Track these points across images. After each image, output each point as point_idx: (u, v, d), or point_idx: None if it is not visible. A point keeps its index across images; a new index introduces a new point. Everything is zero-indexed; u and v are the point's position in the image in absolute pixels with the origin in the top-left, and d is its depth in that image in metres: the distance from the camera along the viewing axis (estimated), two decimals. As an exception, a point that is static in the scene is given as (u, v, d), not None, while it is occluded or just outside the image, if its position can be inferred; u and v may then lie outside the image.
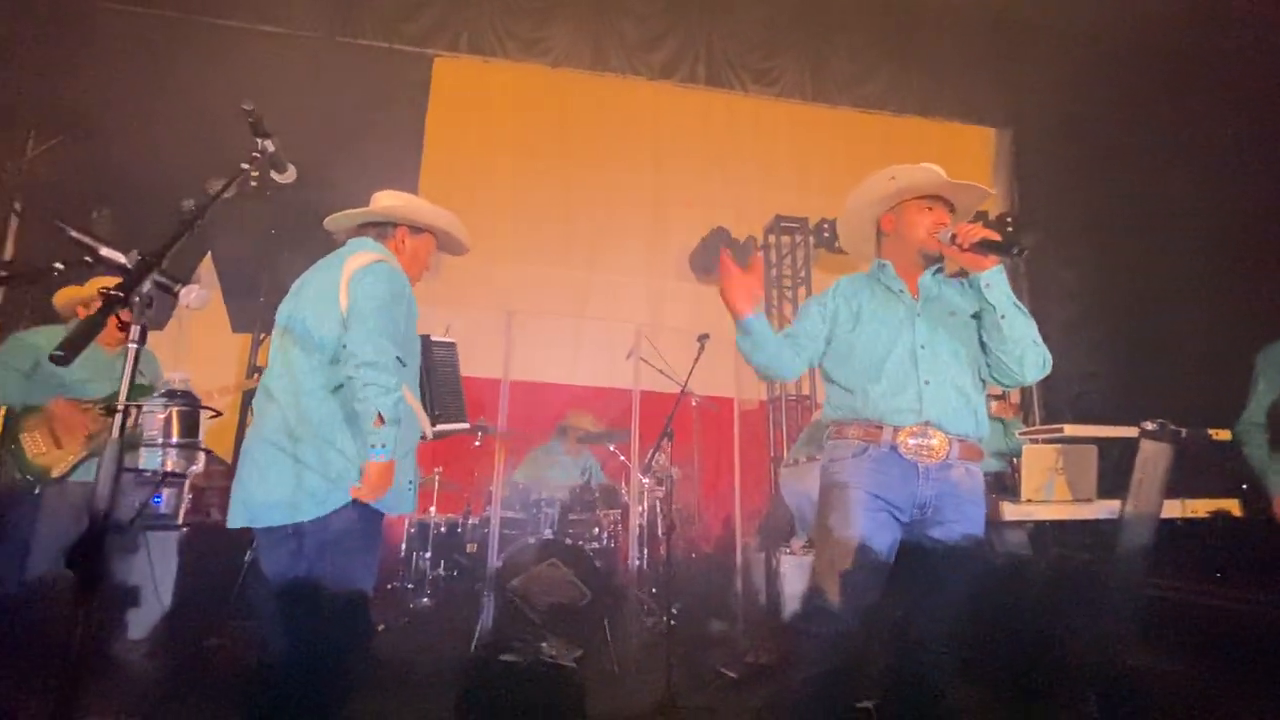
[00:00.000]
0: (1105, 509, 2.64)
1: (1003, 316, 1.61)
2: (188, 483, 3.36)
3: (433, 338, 2.00)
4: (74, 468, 2.50)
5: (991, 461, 3.43)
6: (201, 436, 0.95)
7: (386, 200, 1.93)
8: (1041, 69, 5.37)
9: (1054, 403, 5.43)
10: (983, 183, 1.77)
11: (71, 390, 2.53)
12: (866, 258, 1.93)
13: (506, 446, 3.80)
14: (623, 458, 3.94)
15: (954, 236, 1.61)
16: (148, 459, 0.87)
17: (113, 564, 2.99)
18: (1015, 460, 2.88)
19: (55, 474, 2.48)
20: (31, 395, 2.54)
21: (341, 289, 1.70)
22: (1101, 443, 2.78)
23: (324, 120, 4.52)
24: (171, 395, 0.93)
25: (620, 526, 3.73)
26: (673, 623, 3.47)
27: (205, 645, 2.86)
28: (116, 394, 0.96)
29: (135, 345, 0.95)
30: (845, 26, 5.83)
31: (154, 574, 3.15)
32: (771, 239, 5.33)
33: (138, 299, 0.97)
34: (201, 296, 1.22)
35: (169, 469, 0.91)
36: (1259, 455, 2.56)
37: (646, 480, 3.70)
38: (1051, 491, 2.79)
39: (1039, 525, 2.90)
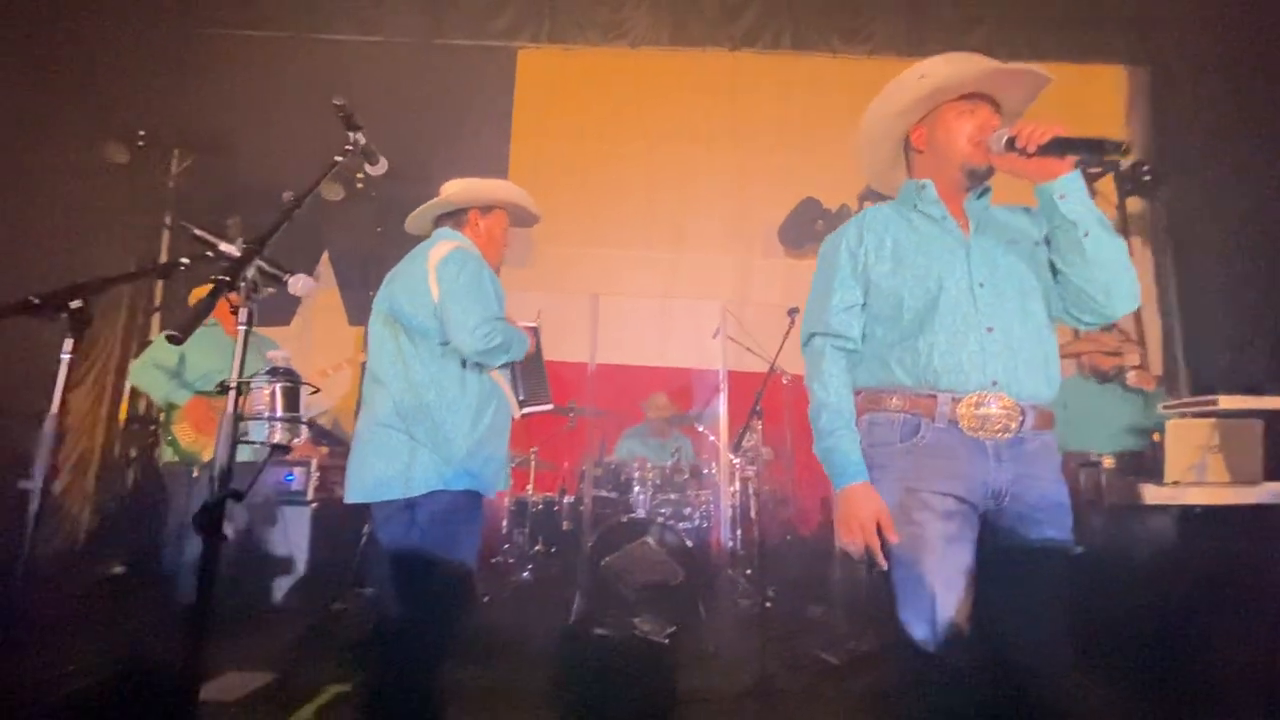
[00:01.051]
0: (1272, 493, 2.30)
1: (1086, 234, 1.25)
2: (315, 462, 3.72)
3: (517, 324, 2.06)
4: None
5: (1127, 439, 3.08)
6: (303, 410, 1.02)
7: (450, 188, 1.99)
8: (1174, 6, 4.68)
9: (1204, 373, 4.78)
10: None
11: (210, 380, 2.86)
12: (894, 187, 1.54)
13: (599, 428, 3.87)
14: (712, 438, 3.89)
15: (1011, 140, 1.25)
16: (255, 431, 0.95)
17: (256, 534, 3.37)
18: (1158, 436, 2.56)
19: (206, 457, 2.83)
20: (177, 390, 2.91)
21: (430, 280, 1.79)
22: (1268, 416, 2.41)
23: (420, 120, 4.76)
24: (274, 373, 1.01)
25: (713, 507, 3.70)
26: (769, 605, 3.42)
27: (332, 609, 3.14)
28: (240, 379, 1.05)
29: (244, 327, 1.04)
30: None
31: (289, 543, 3.53)
32: (868, 205, 5.02)
33: (244, 283, 1.04)
34: (308, 284, 1.31)
35: (275, 440, 0.99)
36: None
37: (737, 461, 3.63)
38: (1204, 472, 2.47)
39: (1187, 511, 2.56)
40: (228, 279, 1.02)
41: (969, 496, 1.27)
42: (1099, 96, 5.20)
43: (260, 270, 1.25)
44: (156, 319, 4.91)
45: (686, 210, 5.21)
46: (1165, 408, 2.84)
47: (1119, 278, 1.28)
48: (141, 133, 4.63)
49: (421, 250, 1.91)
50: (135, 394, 4.68)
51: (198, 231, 1.38)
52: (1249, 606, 2.30)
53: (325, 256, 5.11)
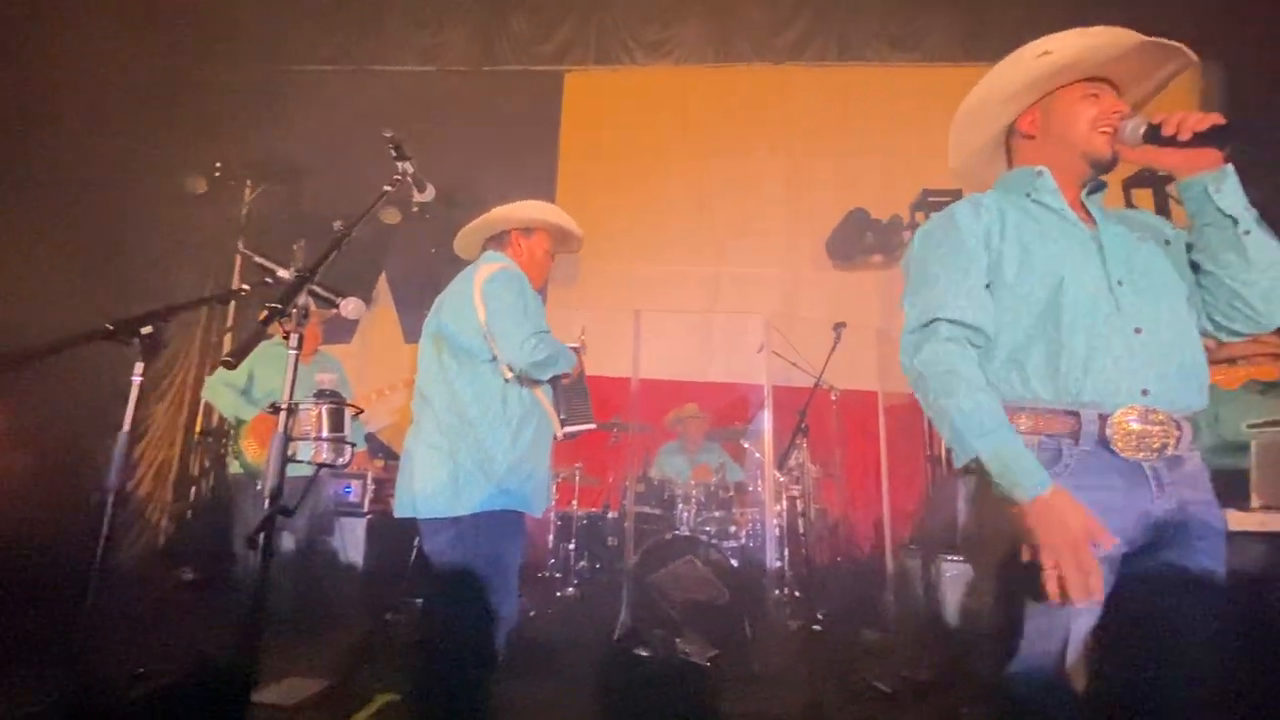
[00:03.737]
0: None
1: (1246, 232, 1.10)
2: (370, 475, 3.86)
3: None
4: None
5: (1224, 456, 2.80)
6: (348, 431, 1.07)
7: (496, 211, 2.05)
8: None
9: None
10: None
11: (275, 397, 3.01)
12: (985, 184, 1.35)
13: (641, 444, 3.87)
14: (757, 454, 3.84)
15: (1154, 129, 1.09)
16: (302, 451, 1.00)
17: (315, 544, 3.51)
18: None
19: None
20: (245, 407, 3.08)
21: (476, 299, 1.84)
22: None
23: (471, 144, 4.93)
24: (320, 395, 1.05)
25: (759, 525, 3.64)
26: (818, 628, 3.32)
27: (386, 618, 3.23)
28: (303, 398, 1.12)
29: (294, 351, 1.09)
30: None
31: (346, 553, 3.66)
32: (919, 216, 4.89)
33: (294, 309, 1.10)
34: (359, 307, 1.37)
35: (321, 460, 1.04)
36: None
37: (782, 478, 3.56)
38: (1296, 497, 2.26)
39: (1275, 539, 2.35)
40: (279, 306, 1.07)
41: (1123, 533, 1.07)
42: (1171, 96, 4.91)
43: (314, 294, 1.32)
44: (229, 338, 5.23)
45: (733, 225, 5.19)
46: (1249, 426, 2.61)
47: (1279, 282, 1.13)
48: (218, 164, 4.98)
49: (468, 272, 1.97)
50: (209, 408, 4.98)
51: (258, 259, 1.47)
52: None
53: (383, 277, 5.34)
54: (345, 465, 1.13)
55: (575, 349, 2.16)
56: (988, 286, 1.20)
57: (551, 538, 3.93)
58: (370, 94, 5.27)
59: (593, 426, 2.16)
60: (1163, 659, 1.09)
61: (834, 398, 3.90)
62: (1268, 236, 1.13)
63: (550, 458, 1.99)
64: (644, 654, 2.48)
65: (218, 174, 5.00)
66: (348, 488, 3.84)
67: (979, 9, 5.21)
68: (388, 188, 1.57)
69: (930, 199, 4.81)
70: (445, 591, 1.82)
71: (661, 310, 4.58)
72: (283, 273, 1.39)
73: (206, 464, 5.01)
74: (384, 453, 4.37)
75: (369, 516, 3.77)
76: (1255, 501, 2.23)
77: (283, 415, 1.03)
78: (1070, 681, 1.10)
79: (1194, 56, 1.19)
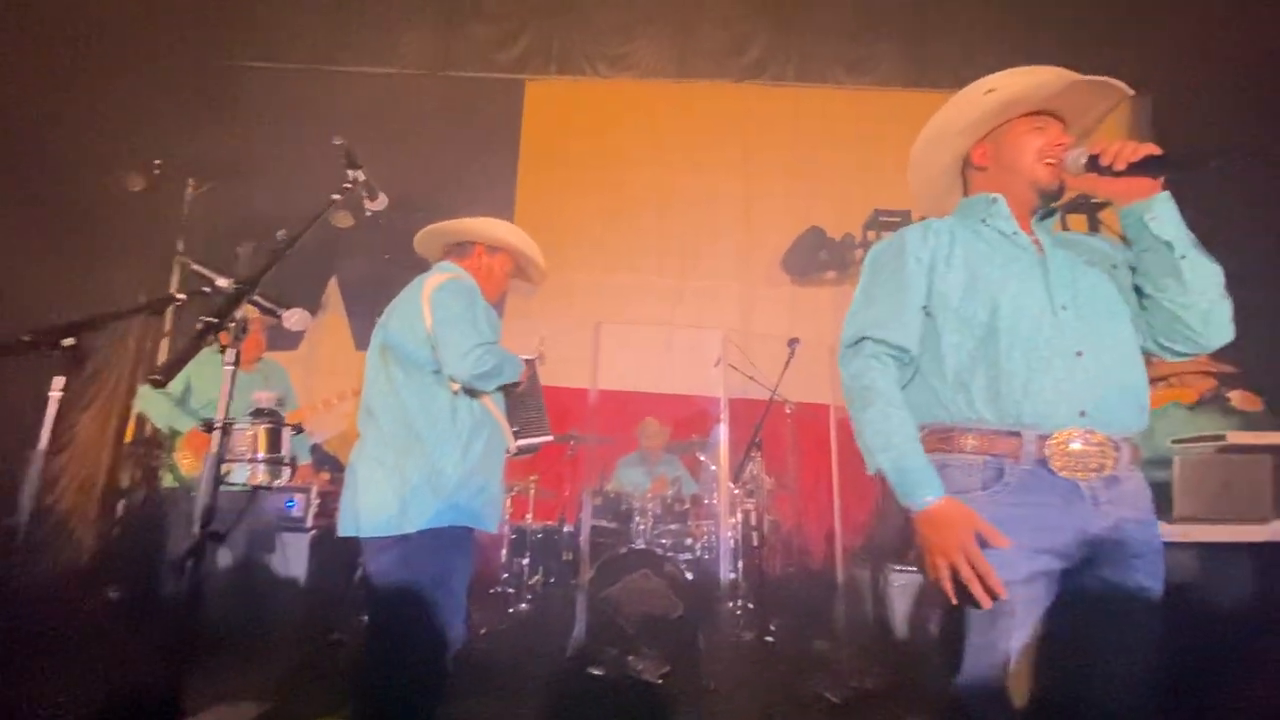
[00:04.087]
0: (1282, 531, 2.25)
1: (1182, 256, 1.15)
2: (315, 489, 3.71)
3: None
4: None
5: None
6: (286, 451, 1.02)
7: (465, 222, 2.02)
8: (1178, 25, 4.70)
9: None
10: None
11: (212, 409, 2.88)
12: (945, 211, 1.43)
13: (597, 456, 3.85)
14: (714, 467, 3.87)
15: (1094, 159, 1.15)
16: (237, 473, 0.95)
17: (254, 561, 3.35)
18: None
19: (204, 483, 2.84)
20: (180, 418, 2.94)
21: (424, 308, 1.80)
22: (1275, 451, 2.36)
23: (428, 150, 4.85)
24: (259, 414, 1.00)
25: (714, 538, 3.66)
26: (770, 640, 3.36)
27: (329, 639, 3.11)
28: (241, 415, 1.06)
29: (230, 367, 1.04)
30: (947, 4, 5.43)
31: (287, 571, 3.50)
32: (871, 235, 5.05)
33: (232, 324, 1.05)
34: (303, 319, 1.32)
35: (256, 482, 0.99)
36: None
37: (737, 491, 3.60)
38: (1214, 509, 2.41)
39: (1198, 549, 2.50)
40: (215, 320, 1.02)
41: (1060, 550, 1.13)
42: (1103, 125, 5.21)
43: (256, 304, 1.26)
44: (165, 343, 4.98)
45: (691, 239, 5.25)
46: (1173, 441, 2.78)
47: (1217, 305, 1.18)
48: (158, 161, 4.74)
49: (418, 281, 1.93)
50: (142, 418, 4.72)
51: (195, 266, 1.40)
52: (1258, 647, 2.24)
53: (334, 282, 5.18)
54: (284, 484, 1.08)
55: (533, 360, 2.14)
56: (925, 309, 1.26)
57: (505, 552, 3.86)
58: (324, 94, 5.12)
59: (548, 439, 2.14)
60: (1099, 673, 1.12)
61: (789, 411, 3.97)
62: (1205, 260, 1.17)
63: (503, 471, 1.95)
64: (597, 673, 2.45)
65: (158, 171, 4.76)
66: (290, 501, 3.68)
67: (928, 39, 5.43)
68: (336, 196, 1.53)
69: (882, 218, 4.97)
70: (391, 613, 1.76)
71: (621, 323, 4.59)
72: (222, 282, 1.33)
73: (138, 476, 4.74)
74: (330, 464, 4.22)
75: (313, 532, 3.62)
76: (1177, 513, 2.38)
77: (216, 435, 0.98)
78: (1012, 693, 1.14)
79: (1129, 90, 1.26)
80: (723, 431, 3.53)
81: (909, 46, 5.44)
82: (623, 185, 5.31)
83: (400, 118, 4.87)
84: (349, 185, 1.56)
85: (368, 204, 1.69)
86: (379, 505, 1.72)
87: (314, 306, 5.11)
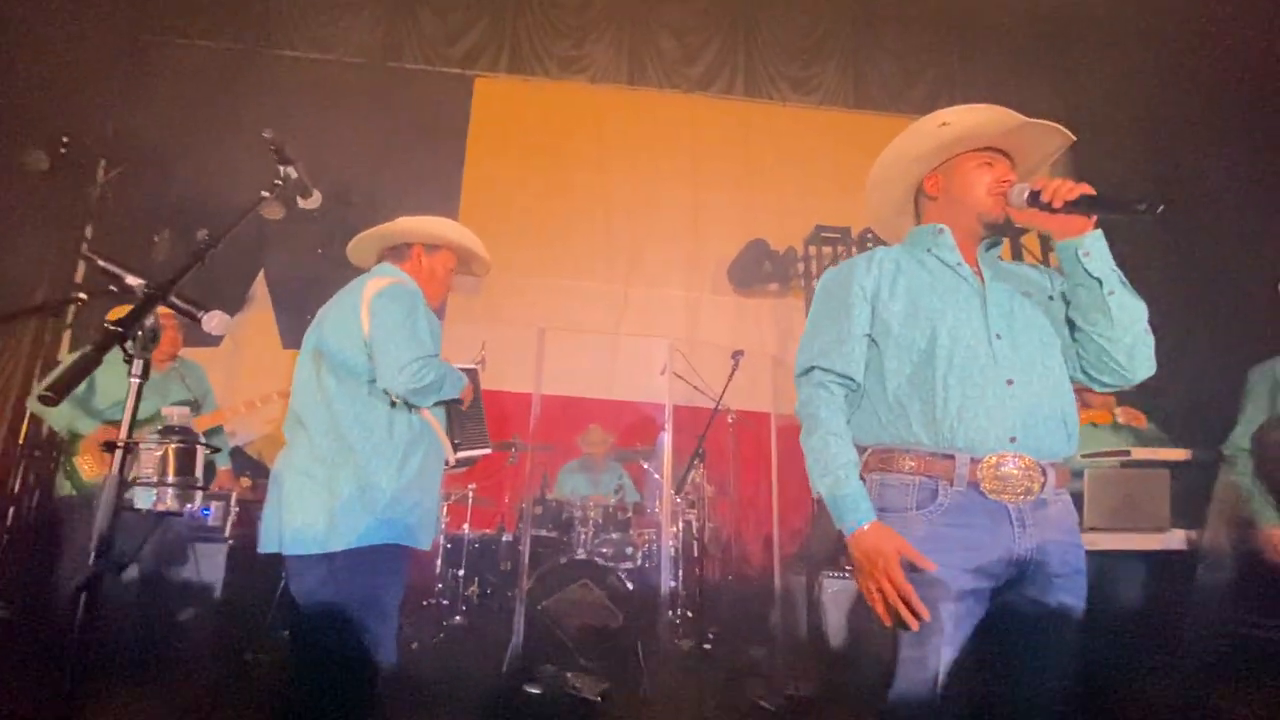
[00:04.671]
0: (1179, 540, 2.44)
1: (1110, 293, 1.22)
2: (234, 496, 3.48)
3: (454, 366, 2.00)
4: None
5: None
6: (199, 473, 0.93)
7: (399, 222, 1.94)
8: (1101, 64, 5.05)
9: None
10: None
11: (119, 410, 2.65)
12: (899, 234, 1.51)
13: (540, 463, 3.79)
14: (657, 475, 3.87)
15: (1035, 195, 1.22)
16: (141, 497, 0.86)
17: (164, 574, 3.11)
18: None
19: (107, 490, 2.60)
20: (82, 419, 2.69)
21: (363, 313, 1.72)
22: (1174, 467, 2.56)
23: (371, 143, 4.66)
24: (168, 431, 0.92)
25: (655, 547, 3.65)
26: (708, 648, 3.38)
27: (245, 659, 2.92)
28: (158, 412, 0.96)
29: (137, 379, 0.95)
30: (888, 31, 5.67)
31: (201, 585, 3.27)
32: (812, 250, 5.19)
33: (141, 332, 0.96)
34: (224, 322, 1.23)
35: (163, 508, 0.90)
36: (1245, 483, 2.39)
37: (680, 499, 3.61)
38: (1119, 519, 2.59)
39: (1107, 557, 2.68)
40: (121, 330, 0.93)
41: (989, 569, 1.19)
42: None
43: (172, 305, 1.17)
44: (67, 336, 4.57)
45: (638, 245, 5.25)
46: (1084, 455, 2.97)
47: (1141, 340, 1.25)
48: (65, 138, 4.36)
49: (357, 284, 1.84)
50: (36, 418, 4.32)
51: (103, 262, 1.29)
52: (1164, 646, 2.43)
53: (261, 276, 4.90)
54: (193, 510, 1.00)
55: (472, 369, 2.07)
56: (869, 336, 1.33)
57: (439, 563, 3.74)
58: (256, 77, 4.86)
59: (488, 451, 2.08)
60: (1023, 687, 1.20)
61: (731, 420, 4.02)
62: (1131, 298, 1.25)
63: (440, 486, 1.88)
64: (534, 691, 2.40)
65: (65, 150, 4.37)
66: (206, 509, 3.43)
67: (870, 62, 5.65)
68: (265, 194, 1.43)
69: (822, 234, 5.11)
70: (315, 635, 1.66)
71: (566, 329, 4.53)
72: (132, 280, 1.22)
73: (30, 481, 4.33)
74: (253, 469, 3.98)
75: (230, 542, 3.40)
76: (1086, 523, 2.54)
77: (118, 454, 0.89)
78: (943, 707, 1.18)
79: (1071, 135, 1.34)
80: (667, 440, 3.54)
81: (851, 69, 5.64)
82: (570, 189, 5.26)
83: (340, 108, 4.66)
84: (279, 182, 1.46)
85: (301, 202, 1.59)
86: (305, 521, 1.62)
87: (239, 302, 4.81)
